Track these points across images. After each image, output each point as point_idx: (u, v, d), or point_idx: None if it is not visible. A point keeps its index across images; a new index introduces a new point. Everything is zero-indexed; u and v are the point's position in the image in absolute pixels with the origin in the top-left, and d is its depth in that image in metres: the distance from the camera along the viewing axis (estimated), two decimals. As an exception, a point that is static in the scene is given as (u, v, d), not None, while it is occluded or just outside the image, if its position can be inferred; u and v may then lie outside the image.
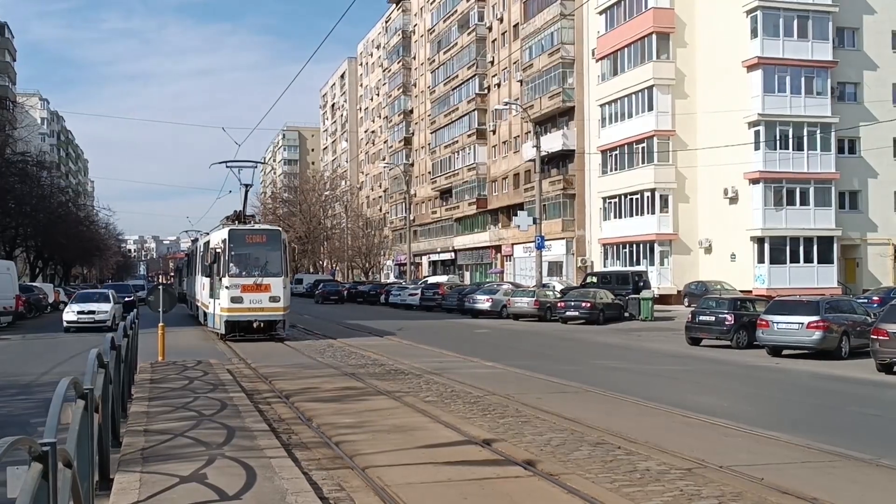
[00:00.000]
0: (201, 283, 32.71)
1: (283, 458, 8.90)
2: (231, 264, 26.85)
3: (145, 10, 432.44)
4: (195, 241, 44.22)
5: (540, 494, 8.21)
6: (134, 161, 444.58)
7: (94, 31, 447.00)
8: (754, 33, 46.30)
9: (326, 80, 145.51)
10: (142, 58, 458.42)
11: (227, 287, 26.55)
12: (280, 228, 32.54)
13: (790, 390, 17.64)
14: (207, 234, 36.48)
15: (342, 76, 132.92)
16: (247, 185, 32.35)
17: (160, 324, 20.23)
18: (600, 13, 55.32)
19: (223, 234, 28.23)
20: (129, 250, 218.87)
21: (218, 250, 27.49)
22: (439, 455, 9.77)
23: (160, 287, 21.91)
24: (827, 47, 46.64)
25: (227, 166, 30.96)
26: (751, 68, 46.41)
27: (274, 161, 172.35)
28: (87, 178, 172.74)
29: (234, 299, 26.52)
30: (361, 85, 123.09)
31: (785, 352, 23.48)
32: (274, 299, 27.03)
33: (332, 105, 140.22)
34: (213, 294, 28.01)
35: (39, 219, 57.45)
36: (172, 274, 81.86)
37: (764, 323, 23.73)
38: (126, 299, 45.27)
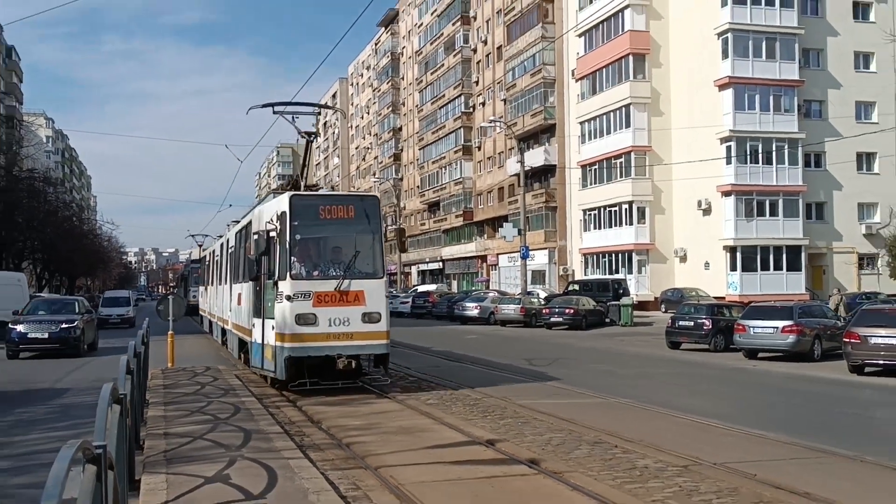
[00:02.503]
0: (230, 294, 20.48)
1: (300, 459, 8.86)
2: (294, 258, 14.59)
3: (144, 34, 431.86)
4: (221, 236, 29.78)
5: (547, 491, 8.18)
6: (135, 177, 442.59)
7: (96, 53, 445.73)
8: (725, 54, 46.61)
9: (319, 99, 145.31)
10: (141, 78, 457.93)
11: (288, 297, 14.27)
12: (376, 195, 19.48)
13: (769, 391, 17.70)
14: (237, 221, 22.71)
15: (334, 95, 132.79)
16: (309, 135, 17.86)
17: (169, 331, 20.11)
18: (579, 35, 55.54)
19: (280, 203, 15.16)
20: (131, 262, 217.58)
21: (271, 233, 14.89)
22: (447, 455, 9.73)
23: (170, 297, 21.73)
24: (793, 67, 47.01)
25: (274, 111, 17.67)
26: (722, 87, 46.70)
27: (269, 176, 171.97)
28: (90, 193, 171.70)
29: (301, 318, 14.26)
30: (352, 104, 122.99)
31: (761, 354, 23.57)
32: (371, 317, 14.64)
33: (325, 123, 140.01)
34: (259, 310, 15.62)
35: (46, 233, 57.06)
36: (173, 284, 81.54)
37: (741, 327, 23.84)
38: (119, 313, 43.57)
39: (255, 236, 15.27)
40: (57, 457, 3.40)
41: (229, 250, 21.95)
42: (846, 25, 48.91)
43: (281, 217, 14.70)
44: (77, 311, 26.33)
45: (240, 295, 18.42)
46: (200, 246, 52.54)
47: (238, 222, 21.93)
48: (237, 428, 10.59)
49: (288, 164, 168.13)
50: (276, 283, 14.50)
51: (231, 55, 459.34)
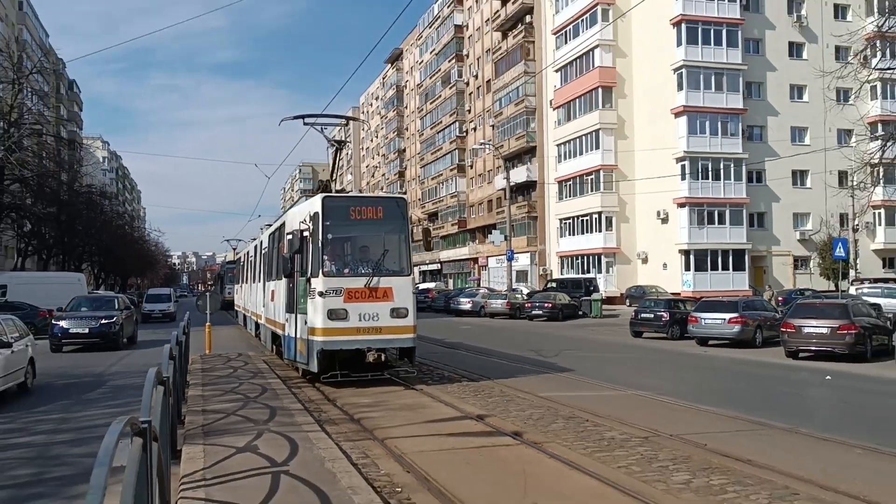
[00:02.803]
0: (265, 291, 19.16)
1: (318, 432, 8.80)
2: (326, 257, 13.47)
3: (186, 71, 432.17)
4: (254, 239, 27.70)
5: (528, 459, 8.15)
6: (178, 191, 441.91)
7: (144, 87, 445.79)
8: (680, 86, 46.65)
9: (334, 127, 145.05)
10: (182, 108, 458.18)
11: (321, 293, 13.20)
12: (404, 196, 17.25)
13: (718, 373, 17.68)
14: (269, 225, 21.76)
15: (347, 122, 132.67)
16: (338, 143, 16.83)
17: (207, 323, 20.05)
18: (556, 71, 55.53)
19: (312, 205, 14.02)
20: (175, 264, 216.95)
21: (304, 233, 13.78)
22: (443, 428, 9.69)
23: (207, 293, 21.69)
24: (738, 98, 47.06)
25: (304, 122, 16.33)
26: (677, 115, 46.72)
27: (293, 190, 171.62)
28: (140, 205, 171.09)
29: (333, 314, 13.18)
30: (363, 129, 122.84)
31: (710, 342, 23.53)
32: (398, 313, 13.51)
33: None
34: (292, 306, 14.56)
35: (102, 239, 56.97)
36: (210, 283, 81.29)
37: (694, 319, 23.82)
38: (160, 309, 41.38)
39: (290, 236, 13.96)
40: (108, 431, 3.38)
41: (263, 251, 20.40)
42: (783, 62, 48.99)
43: (314, 217, 13.42)
44: (117, 307, 24.59)
45: (273, 292, 17.05)
46: (234, 249, 51.12)
47: (271, 225, 20.66)
48: (264, 405, 10.55)
49: (309, 181, 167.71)
50: (308, 280, 13.26)
51: (259, 88, 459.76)
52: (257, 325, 22.06)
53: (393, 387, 13.45)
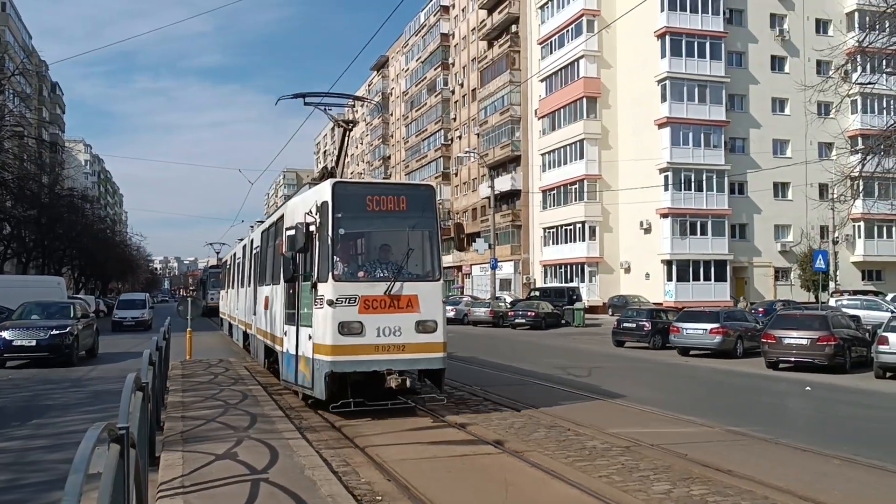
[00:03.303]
0: (257, 298, 16.35)
1: (298, 440, 8.74)
2: (337, 257, 11.02)
3: (170, 74, 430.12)
4: (241, 239, 24.80)
5: (510, 468, 8.12)
6: (160, 195, 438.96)
7: (128, 90, 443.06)
8: (664, 98, 47.00)
9: (320, 131, 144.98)
10: (167, 112, 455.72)
11: (330, 302, 10.69)
12: (432, 184, 13.95)
13: (699, 383, 17.74)
14: (261, 222, 19.30)
15: (332, 129, 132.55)
16: (346, 123, 14.37)
17: (188, 328, 19.89)
18: (541, 81, 55.78)
19: (320, 192, 11.44)
20: (156, 268, 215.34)
21: (310, 227, 11.22)
22: (424, 436, 9.64)
23: (188, 299, 21.47)
24: (721, 110, 47.47)
25: (305, 102, 13.88)
26: (661, 126, 47.05)
27: (276, 196, 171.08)
28: (122, 209, 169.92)
29: (345, 327, 10.68)
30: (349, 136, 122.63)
31: (692, 352, 23.65)
32: (425, 326, 11.02)
33: (325, 151, 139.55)
34: (293, 316, 11.97)
35: (83, 243, 56.39)
36: (192, 288, 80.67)
37: (675, 329, 23.93)
38: (133, 316, 37.33)
39: (291, 231, 11.34)
40: (84, 437, 3.33)
41: (254, 251, 17.87)
42: (765, 75, 49.49)
43: (322, 208, 10.94)
44: (72, 315, 20.79)
45: (267, 298, 14.48)
46: (218, 253, 49.20)
47: (263, 222, 18.20)
48: (245, 412, 10.46)
49: (293, 187, 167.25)
50: (314, 286, 10.79)
51: (244, 93, 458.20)
52: (246, 336, 19.65)
53: (417, 418, 10.91)
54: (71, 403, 13.31)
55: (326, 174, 13.66)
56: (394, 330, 10.73)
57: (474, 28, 69.48)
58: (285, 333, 12.30)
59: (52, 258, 54.12)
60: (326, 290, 10.64)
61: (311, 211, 11.20)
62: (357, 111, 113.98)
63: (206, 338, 28.18)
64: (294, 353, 11.70)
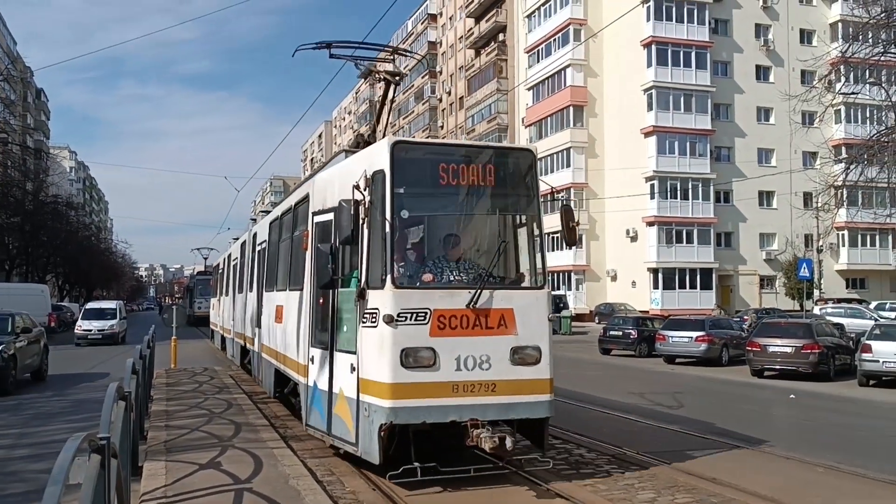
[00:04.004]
0: (259, 306, 13.52)
1: (283, 449, 8.71)
2: (398, 252, 7.62)
3: (157, 80, 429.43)
4: (236, 239, 22.52)
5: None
6: (146, 202, 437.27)
7: (114, 97, 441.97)
8: (650, 107, 47.28)
9: (307, 139, 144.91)
10: (153, 118, 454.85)
11: (389, 318, 7.10)
12: (531, 148, 8.61)
13: (685, 391, 17.75)
14: (265, 212, 16.06)
15: (320, 136, 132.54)
16: (392, 76, 10.30)
17: (173, 337, 19.76)
18: (529, 89, 55.99)
19: (374, 157, 7.64)
20: (142, 276, 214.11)
21: (358, 208, 7.39)
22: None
23: (174, 307, 21.34)
24: (706, 119, 47.81)
25: (331, 55, 10.15)
26: (647, 134, 47.32)
27: (263, 203, 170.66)
28: (107, 216, 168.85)
29: (411, 356, 7.11)
30: (336, 143, 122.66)
31: (678, 360, 23.73)
32: (525, 356, 7.50)
33: (311, 159, 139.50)
34: (326, 336, 8.33)
35: (68, 250, 56.05)
36: (178, 296, 80.00)
37: (661, 337, 24.02)
38: (99, 328, 31.55)
39: (325, 216, 8.35)
40: (63, 447, 3.31)
41: (258, 248, 14.37)
42: (750, 85, 49.90)
43: (375, 180, 7.46)
44: (10, 329, 16.66)
45: (280, 309, 10.94)
46: (205, 259, 46.96)
47: (269, 212, 14.86)
48: (229, 421, 10.41)
49: (279, 194, 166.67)
50: (362, 294, 7.42)
51: (231, 100, 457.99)
52: (245, 352, 16.42)
53: (512, 489, 7.55)
54: (54, 412, 13.20)
55: (363, 142, 9.90)
56: (480, 360, 7.36)
57: (462, 36, 69.72)
58: (311, 359, 8.75)
59: (36, 266, 53.74)
60: (382, 300, 7.22)
61: (359, 184, 7.46)
62: (345, 118, 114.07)
63: (191, 345, 27.89)
64: (327, 388, 8.25)
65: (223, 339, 22.46)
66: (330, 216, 8.07)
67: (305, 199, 9.55)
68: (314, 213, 8.86)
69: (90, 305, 36.32)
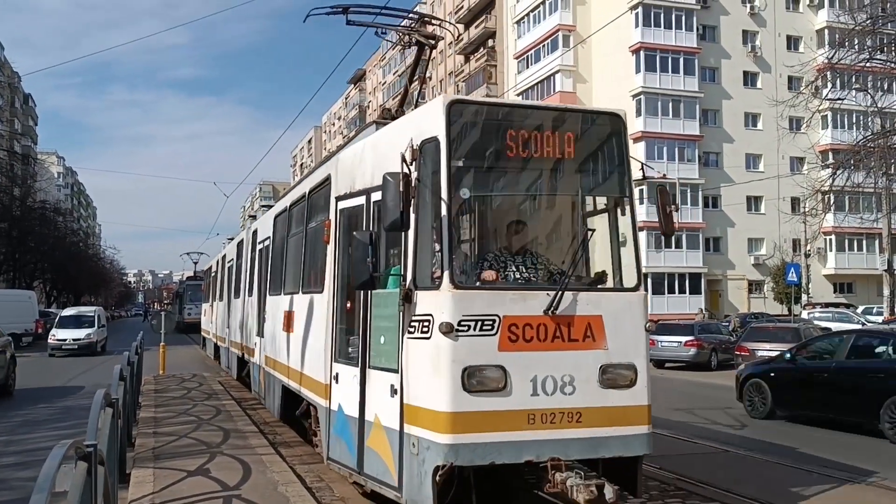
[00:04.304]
0: (262, 311, 11.92)
1: (272, 455, 8.68)
2: (452, 240, 5.63)
3: (145, 85, 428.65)
4: (231, 239, 21.95)
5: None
6: (135, 208, 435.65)
7: (103, 102, 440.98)
8: (639, 113, 47.46)
9: (296, 144, 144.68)
10: (142, 124, 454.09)
11: (447, 327, 5.36)
12: (621, 112, 6.36)
13: (674, 395, 17.79)
14: (267, 207, 11.84)
15: (309, 141, 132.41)
16: (427, 38, 8.61)
17: (161, 343, 19.69)
18: (518, 95, 56.08)
19: (424, 121, 5.88)
20: (130, 282, 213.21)
21: (405, 186, 5.35)
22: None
23: (162, 313, 21.27)
24: (695, 124, 48.07)
25: (348, 21, 8.48)
26: (636, 140, 47.41)
27: (252, 209, 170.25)
28: (95, 222, 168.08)
29: (475, 377, 5.38)
30: (325, 149, 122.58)
31: (667, 364, 23.80)
32: (617, 375, 5.82)
33: (301, 164, 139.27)
34: (354, 348, 6.68)
35: (55, 256, 55.80)
36: (167, 302, 79.57)
37: (650, 341, 24.06)
38: (75, 338, 29.01)
39: (355, 201, 6.85)
40: (49, 455, 3.30)
41: (258, 247, 12.83)
42: (738, 90, 50.21)
43: (425, 151, 5.85)
44: None
45: (290, 315, 9.36)
46: (195, 263, 44.57)
47: (269, 207, 12.90)
48: (218, 428, 10.36)
49: (269, 199, 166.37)
50: (408, 296, 5.84)
51: (220, 105, 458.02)
52: (242, 363, 14.81)
53: None
54: (41, 419, 13.11)
55: (390, 117, 8.13)
56: (562, 383, 5.74)
57: (451, 42, 69.85)
58: (335, 377, 7.11)
59: (24, 272, 53.47)
60: (438, 304, 5.60)
61: (405, 155, 5.64)
62: (335, 124, 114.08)
63: (180, 351, 27.70)
64: (356, 414, 6.61)
65: (216, 347, 20.77)
66: (359, 201, 6.71)
67: (325, 182, 7.88)
68: (338, 198, 7.24)
69: (66, 312, 32.80)
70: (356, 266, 6.11)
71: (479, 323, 5.55)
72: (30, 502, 2.84)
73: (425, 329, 5.67)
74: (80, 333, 29.35)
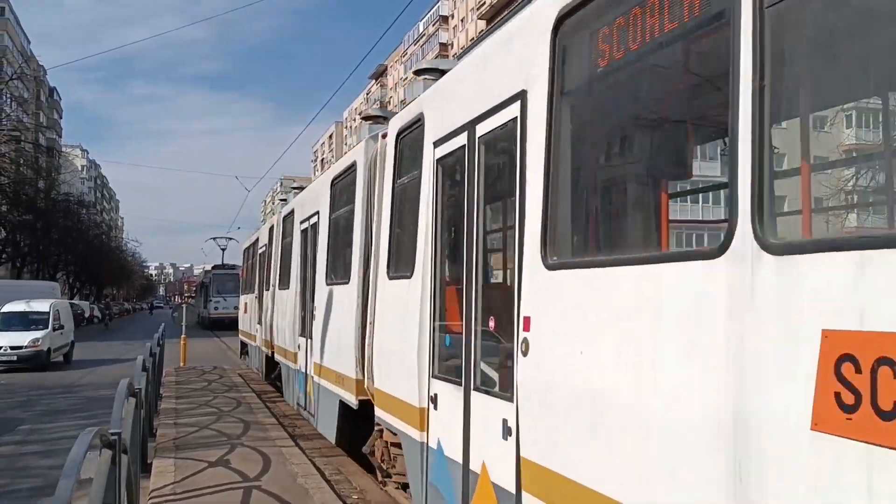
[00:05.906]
0: (317, 309, 8.76)
1: (291, 447, 8.74)
2: None
3: (167, 81, 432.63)
4: (299, 188, 14.20)
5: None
6: (156, 201, 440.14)
7: (126, 96, 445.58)
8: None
9: (318, 139, 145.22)
10: (163, 118, 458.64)
11: None
12: None
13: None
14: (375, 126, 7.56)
15: (330, 136, 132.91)
16: None
17: (182, 335, 19.85)
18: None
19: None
20: (151, 275, 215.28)
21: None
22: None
23: (183, 306, 21.44)
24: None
25: None
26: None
27: (273, 203, 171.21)
28: (118, 214, 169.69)
29: None
30: (346, 144, 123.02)
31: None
32: None
33: (322, 160, 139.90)
34: (453, 363, 4.53)
35: (79, 248, 56.43)
36: (188, 294, 79.54)
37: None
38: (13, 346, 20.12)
39: (456, 142, 4.84)
40: (76, 442, 3.34)
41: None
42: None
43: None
44: None
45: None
46: (224, 250, 37.67)
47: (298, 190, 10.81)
48: (238, 419, 10.45)
49: (290, 193, 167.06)
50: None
51: (242, 100, 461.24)
52: (309, 387, 10.03)
53: None
54: (62, 409, 13.28)
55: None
56: None
57: (473, 38, 69.73)
58: (432, 399, 5.08)
59: (47, 263, 54.09)
60: None
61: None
62: (356, 119, 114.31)
63: (200, 344, 27.82)
64: (460, 458, 4.54)
65: (266, 357, 14.57)
66: (461, 141, 4.69)
67: (416, 124, 5.71)
68: (435, 144, 5.17)
69: (6, 308, 22.18)
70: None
71: None
72: (57, 487, 2.88)
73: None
74: (23, 339, 20.53)
